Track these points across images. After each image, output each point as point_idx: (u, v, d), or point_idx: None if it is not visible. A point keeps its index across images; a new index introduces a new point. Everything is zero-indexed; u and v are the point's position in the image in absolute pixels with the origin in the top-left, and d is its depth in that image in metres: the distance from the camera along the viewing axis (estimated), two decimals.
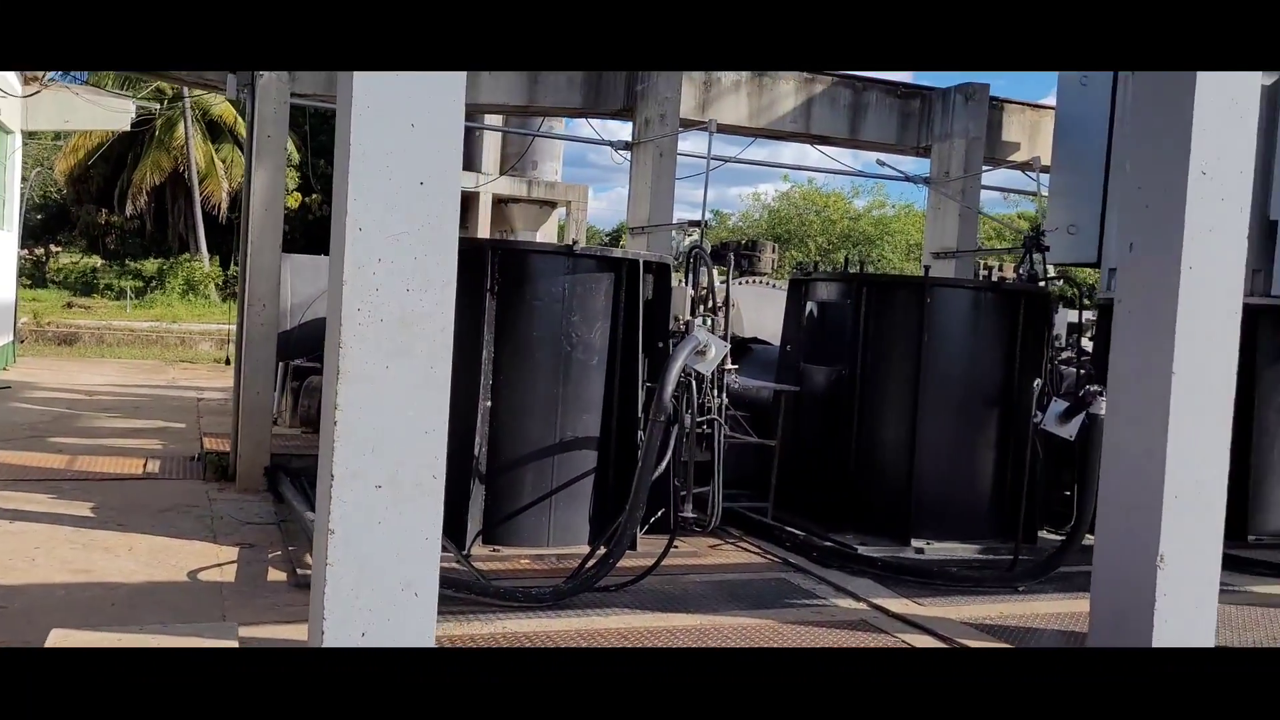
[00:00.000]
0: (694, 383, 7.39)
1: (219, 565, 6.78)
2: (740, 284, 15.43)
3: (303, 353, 11.59)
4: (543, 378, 7.48)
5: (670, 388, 6.68)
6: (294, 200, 31.74)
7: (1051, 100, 11.79)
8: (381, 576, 3.62)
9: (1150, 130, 4.98)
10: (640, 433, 7.51)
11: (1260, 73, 5.07)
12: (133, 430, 11.89)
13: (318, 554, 3.71)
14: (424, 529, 3.69)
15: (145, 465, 9.87)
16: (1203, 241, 4.86)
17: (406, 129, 3.56)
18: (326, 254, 4.18)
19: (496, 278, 7.36)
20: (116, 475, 9.38)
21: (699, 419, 7.79)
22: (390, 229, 3.58)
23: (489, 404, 7.39)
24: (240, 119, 27.59)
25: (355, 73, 3.49)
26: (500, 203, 26.57)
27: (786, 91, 11.51)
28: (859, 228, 44.05)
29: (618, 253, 7.94)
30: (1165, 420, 4.86)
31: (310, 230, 34.29)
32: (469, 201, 26.44)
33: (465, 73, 3.66)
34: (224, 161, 35.94)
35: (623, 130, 11.45)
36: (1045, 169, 11.81)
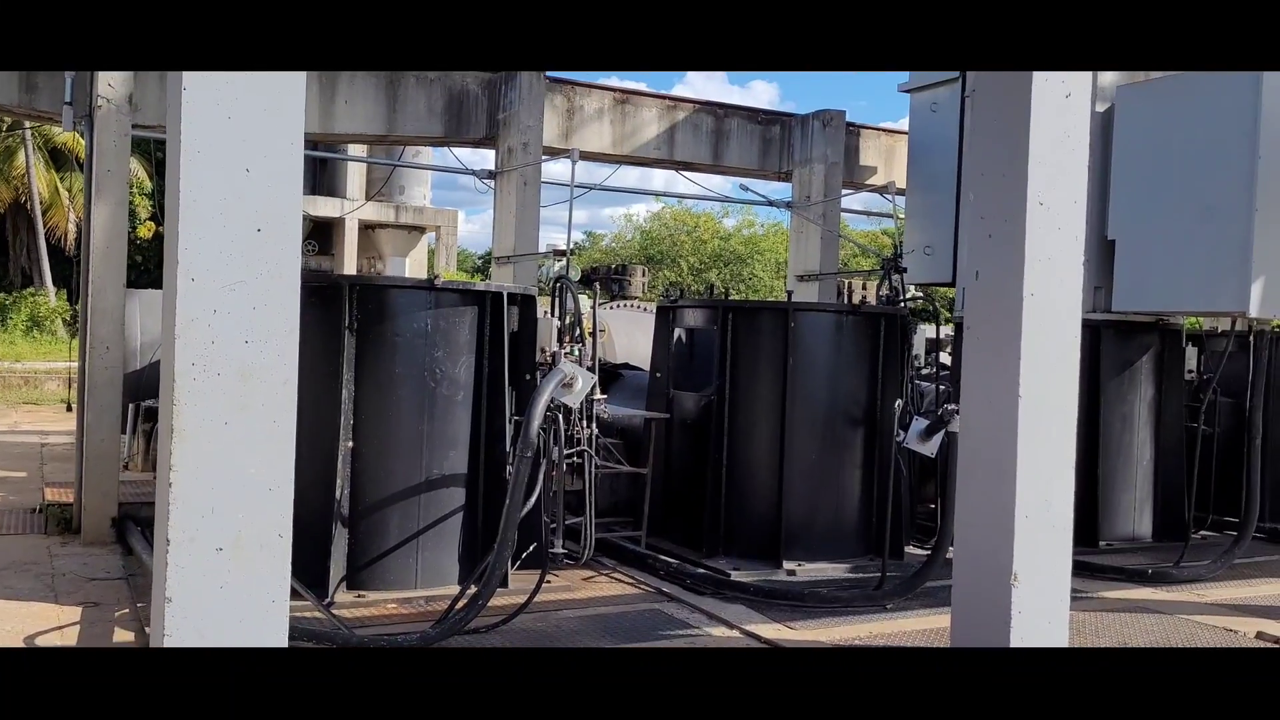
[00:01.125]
0: (561, 415, 7.32)
1: (59, 628, 6.37)
2: (611, 308, 15.46)
3: (154, 393, 11.07)
4: (407, 415, 7.30)
5: (537, 422, 6.60)
6: (147, 230, 30.47)
7: (905, 125, 12.19)
8: (224, 645, 3.44)
9: (991, 163, 5.16)
10: (509, 467, 7.39)
11: (1091, 106, 5.31)
12: None
13: (155, 624, 3.49)
14: (270, 591, 3.52)
15: None
16: (1042, 269, 5.05)
17: (241, 174, 3.40)
18: None
19: (356, 314, 7.16)
20: None
21: (569, 451, 7.73)
22: (225, 279, 3.41)
23: (351, 444, 7.17)
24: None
25: (184, 117, 3.32)
26: (367, 228, 26.03)
27: (649, 119, 11.60)
28: (730, 247, 44.72)
29: (481, 285, 7.83)
30: (1014, 442, 5.02)
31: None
32: (334, 228, 25.84)
33: (302, 116, 3.53)
34: (69, 191, 34.24)
35: (487, 158, 11.37)
36: (901, 192, 12.22)
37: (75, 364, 16.88)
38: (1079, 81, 5.09)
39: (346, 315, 7.12)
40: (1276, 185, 8.66)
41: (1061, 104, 5.02)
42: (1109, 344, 10.13)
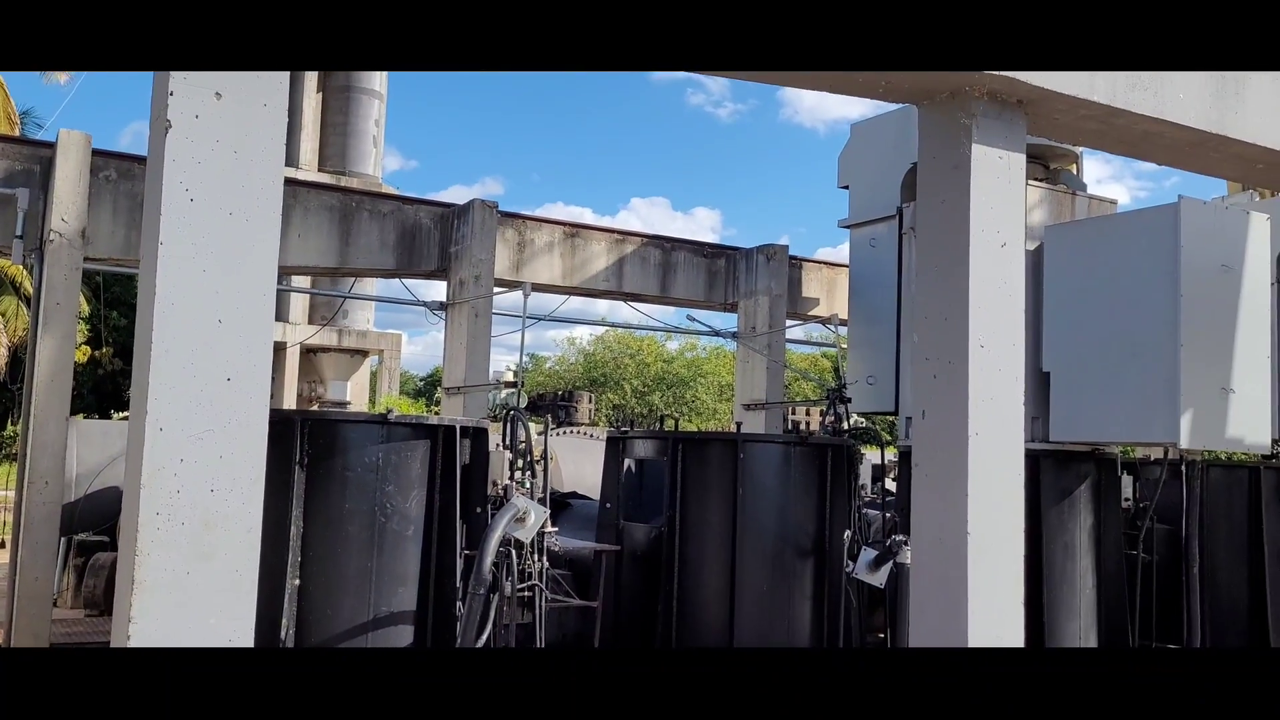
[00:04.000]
0: (514, 549, 7.28)
1: None
2: (557, 435, 15.49)
3: (88, 526, 10.80)
4: (356, 551, 7.21)
5: (490, 558, 6.57)
6: (83, 354, 30.00)
7: (844, 256, 12.62)
8: None
9: (933, 306, 5.39)
10: (459, 604, 7.30)
11: (1023, 251, 5.59)
12: None
13: None
14: None
15: None
16: (985, 408, 5.23)
17: (213, 325, 3.46)
18: (116, 415, 3.97)
19: (306, 449, 7.12)
20: None
21: (520, 585, 7.66)
22: (193, 428, 3.43)
23: (297, 582, 7.04)
24: (24, 271, 26.18)
25: (159, 270, 3.39)
26: (309, 352, 25.95)
27: (599, 251, 11.89)
28: (672, 370, 45.20)
29: (434, 420, 7.85)
30: (964, 579, 5.11)
31: (100, 386, 32.36)
32: (276, 352, 25.72)
33: (275, 266, 3.61)
34: (3, 315, 33.72)
35: (437, 287, 11.52)
36: (844, 323, 12.57)
37: (6, 492, 16.32)
38: (1014, 230, 5.38)
39: (297, 450, 7.08)
40: (1199, 322, 9.08)
41: (998, 252, 5.29)
42: (1048, 473, 10.35)
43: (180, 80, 3.41)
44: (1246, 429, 9.26)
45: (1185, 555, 9.61)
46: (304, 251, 9.97)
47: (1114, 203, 11.24)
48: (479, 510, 7.77)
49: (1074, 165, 11.46)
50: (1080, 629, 10.45)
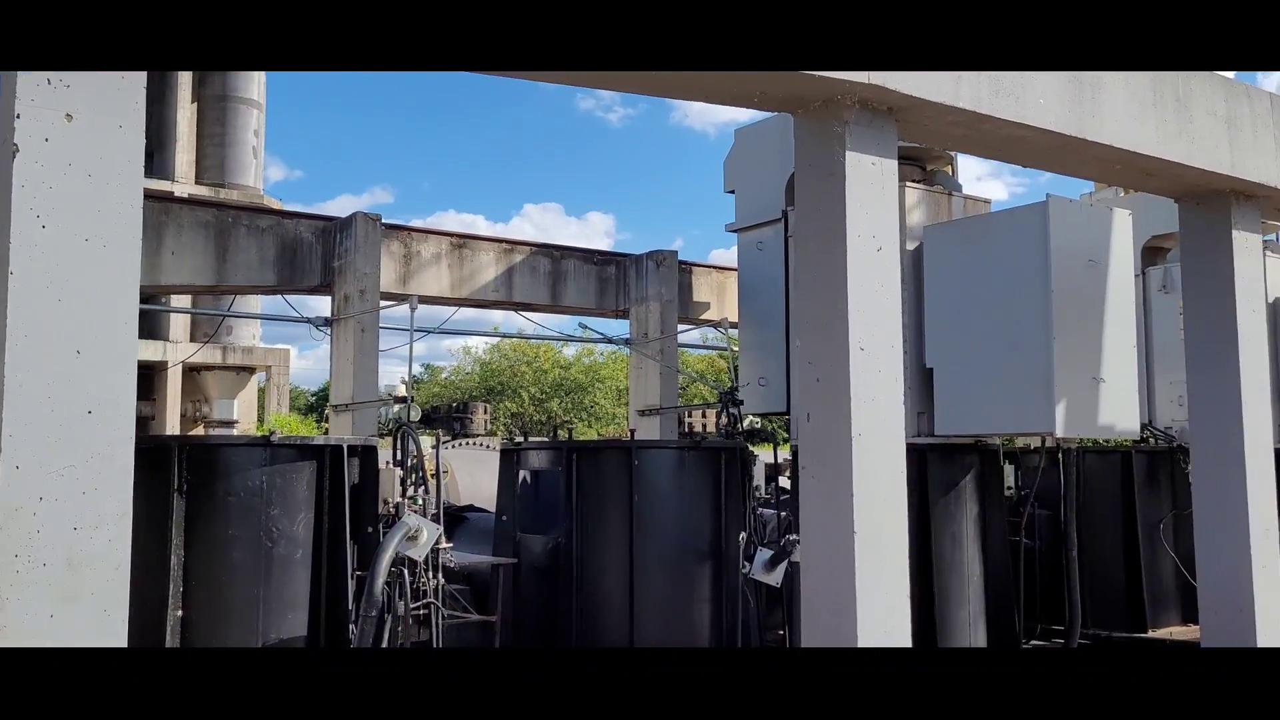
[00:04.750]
0: (406, 568, 7.16)
1: None
2: (454, 447, 15.31)
3: None
4: (241, 578, 6.99)
5: (381, 579, 6.45)
6: None
7: (733, 262, 12.78)
8: None
9: (814, 312, 5.49)
10: (352, 627, 7.15)
11: (898, 254, 5.74)
12: None
13: None
14: None
15: None
16: (867, 409, 5.35)
17: (71, 356, 3.31)
18: None
19: (185, 476, 6.89)
20: None
21: (415, 604, 7.53)
22: (53, 464, 3.28)
23: (180, 613, 6.79)
24: None
25: (10, 299, 3.23)
26: (192, 370, 25.06)
27: (487, 262, 11.79)
28: (570, 376, 45.09)
29: (320, 439, 7.68)
30: (852, 577, 5.22)
31: None
32: (156, 372, 24.76)
33: (137, 293, 3.48)
34: None
35: (323, 302, 11.27)
36: (734, 325, 12.73)
37: None
38: (888, 234, 5.51)
39: (175, 478, 6.83)
40: (1070, 315, 9.44)
41: (874, 256, 5.41)
42: (934, 466, 10.64)
43: (27, 102, 3.26)
44: (1117, 416, 9.68)
45: (1064, 539, 9.99)
46: (179, 270, 9.65)
47: (988, 202, 11.62)
48: (370, 530, 7.62)
49: (950, 166, 11.81)
50: (969, 616, 10.76)
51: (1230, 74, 6.84)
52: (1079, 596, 9.75)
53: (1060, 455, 10.60)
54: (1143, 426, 12.33)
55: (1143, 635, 11.71)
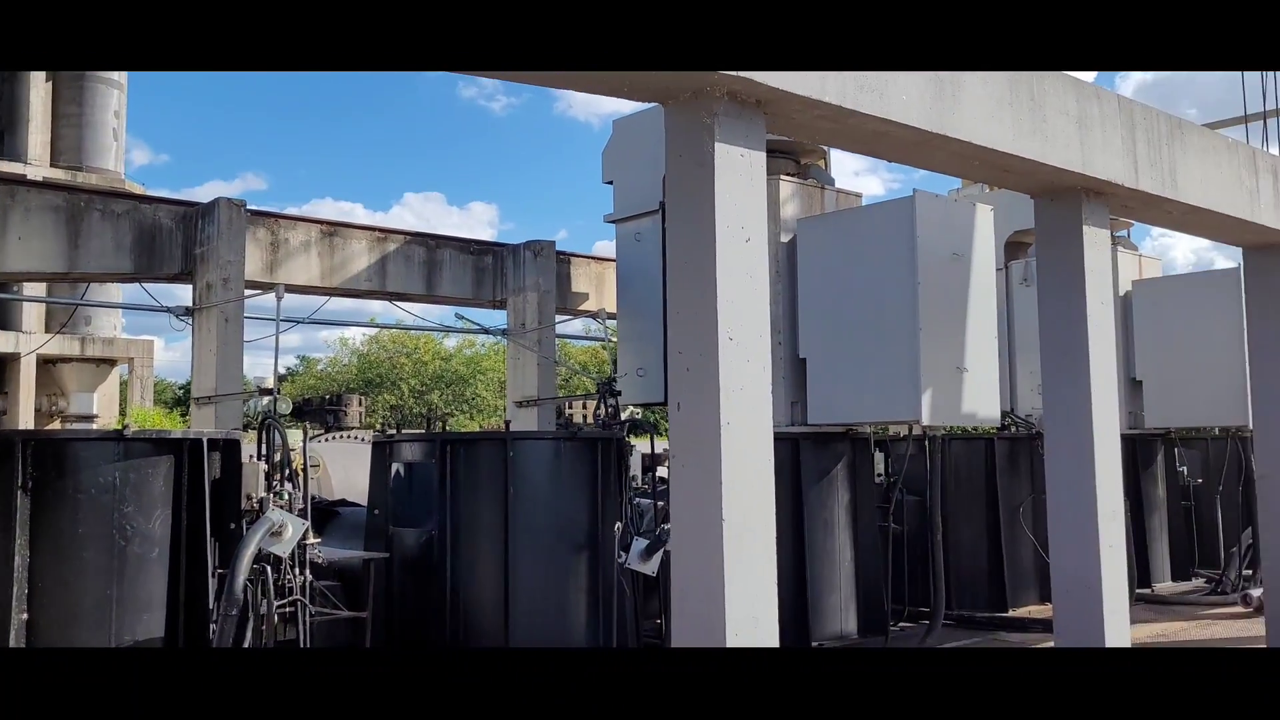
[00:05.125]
0: (271, 565, 6.95)
1: None
2: (327, 440, 14.95)
3: None
4: (92, 578, 6.68)
5: (242, 576, 6.24)
6: None
7: (612, 253, 12.76)
8: None
9: (685, 302, 5.50)
10: (213, 626, 6.90)
11: (766, 245, 5.81)
12: None
13: None
14: None
15: None
16: (736, 398, 5.39)
17: None
18: None
19: (30, 472, 6.53)
20: None
21: (280, 601, 7.31)
22: None
23: (25, 616, 6.44)
24: None
25: None
26: (48, 363, 23.79)
27: (359, 250, 11.51)
28: (451, 368, 44.54)
29: (178, 433, 7.38)
30: (721, 566, 5.26)
31: None
32: (8, 365, 23.42)
33: None
34: None
35: (185, 291, 10.81)
36: (612, 316, 12.73)
37: None
38: (757, 225, 5.56)
39: (19, 474, 6.47)
40: (935, 307, 9.74)
41: (743, 247, 5.45)
42: (807, 454, 10.86)
43: None
44: (979, 404, 10.04)
45: (929, 524, 10.31)
46: (25, 256, 9.12)
47: (859, 196, 11.89)
48: (233, 527, 7.36)
49: (823, 160, 12.04)
50: (841, 600, 11.03)
51: (1085, 75, 7.14)
52: (944, 579, 10.08)
53: (927, 442, 10.95)
54: (1004, 414, 12.83)
55: (1003, 615, 12.19)
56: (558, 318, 12.93)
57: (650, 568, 8.25)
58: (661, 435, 12.33)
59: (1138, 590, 11.79)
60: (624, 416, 10.78)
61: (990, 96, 6.35)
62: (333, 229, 11.40)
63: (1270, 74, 11.36)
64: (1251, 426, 9.86)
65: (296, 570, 7.55)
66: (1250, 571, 12.50)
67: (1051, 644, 7.99)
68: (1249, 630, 10.39)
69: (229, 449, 7.50)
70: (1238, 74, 11.58)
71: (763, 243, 5.60)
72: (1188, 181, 7.71)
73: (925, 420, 9.64)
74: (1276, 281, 9.14)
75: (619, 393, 10.81)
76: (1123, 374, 13.33)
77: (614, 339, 12.75)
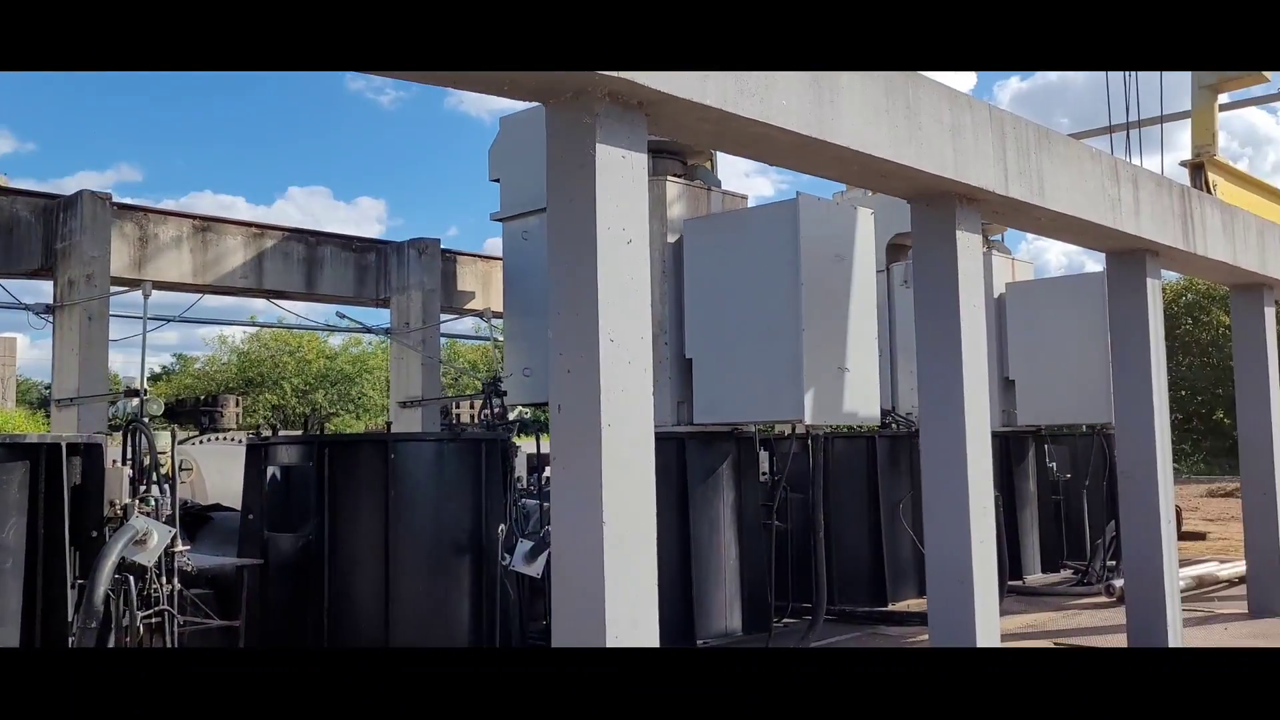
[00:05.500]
0: (133, 576, 6.65)
1: None
2: (203, 443, 14.41)
3: None
4: None
5: (102, 587, 5.97)
6: None
7: (498, 251, 12.64)
8: None
9: (566, 304, 5.47)
10: (72, 639, 6.57)
11: (648, 247, 5.82)
12: None
13: None
14: None
15: None
16: (617, 400, 5.38)
17: None
18: None
19: None
20: None
21: (146, 612, 7.01)
22: None
23: None
24: None
25: None
26: None
27: (234, 246, 11.14)
28: (336, 366, 43.54)
29: (33, 437, 7.00)
30: (600, 568, 5.24)
31: None
32: None
33: None
34: None
35: (45, 288, 10.29)
36: (497, 315, 12.59)
37: None
38: (638, 227, 5.55)
39: None
40: (818, 308, 9.90)
41: (624, 248, 5.44)
42: (693, 454, 10.93)
43: None
44: (860, 404, 10.25)
45: (812, 521, 10.48)
46: None
47: (745, 197, 12.02)
48: (94, 535, 7.02)
49: (709, 162, 12.14)
50: (726, 598, 11.14)
51: (961, 84, 7.35)
52: (825, 575, 10.26)
53: (810, 441, 11.14)
54: (885, 413, 13.14)
55: (883, 609, 12.50)
56: (443, 316, 12.74)
57: (535, 570, 8.20)
58: (548, 435, 12.29)
59: (1009, 582, 12.19)
60: (512, 417, 10.68)
61: (868, 103, 6.48)
62: (206, 224, 10.99)
63: (1134, 87, 11.91)
64: (1114, 424, 10.30)
65: (164, 579, 7.25)
66: (1114, 563, 13.08)
67: (926, 637, 8.21)
68: (1111, 620, 10.86)
69: (90, 453, 7.14)
70: (1105, 85, 12.10)
71: (644, 244, 5.60)
72: (1055, 189, 8.00)
73: (808, 420, 9.79)
74: (1137, 285, 9.57)
75: (505, 393, 10.71)
76: (996, 373, 13.81)
77: (501, 338, 12.63)
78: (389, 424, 9.13)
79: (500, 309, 12.46)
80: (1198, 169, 11.98)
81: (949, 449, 7.52)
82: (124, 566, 6.47)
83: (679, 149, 11.34)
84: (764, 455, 12.06)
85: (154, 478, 7.51)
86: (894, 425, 13.83)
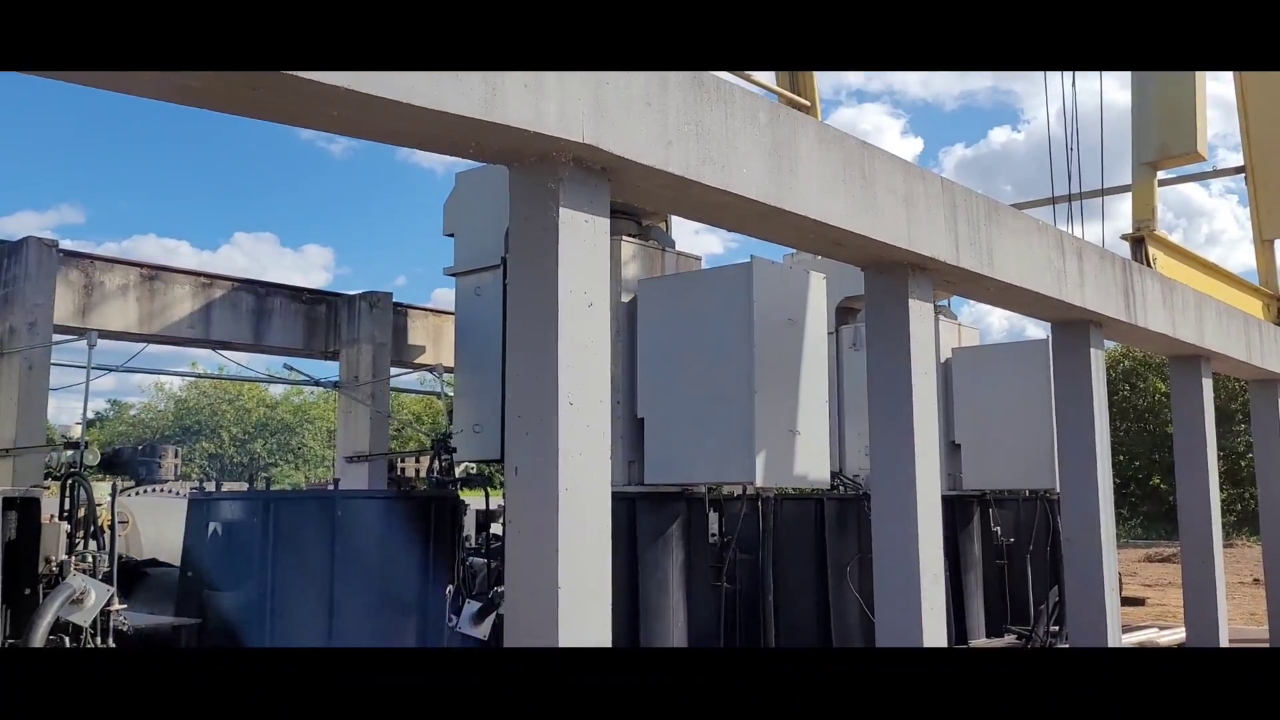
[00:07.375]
0: (68, 636, 6.43)
1: None
2: (139, 495, 14.05)
3: None
4: None
5: (37, 647, 5.73)
6: None
7: (451, 302, 12.59)
8: None
9: (525, 366, 5.45)
10: None
11: (609, 311, 5.83)
12: None
13: None
14: None
15: None
16: (575, 463, 5.36)
17: None
18: None
19: None
20: None
21: None
22: None
23: None
24: None
25: None
26: None
27: (182, 295, 10.97)
28: (277, 415, 42.87)
29: None
30: (555, 632, 5.18)
31: None
32: None
33: None
34: None
35: None
36: (449, 370, 12.50)
37: None
38: (599, 291, 5.58)
39: None
40: (770, 370, 9.98)
41: (585, 312, 5.46)
42: (644, 515, 10.87)
43: None
44: (810, 466, 10.30)
45: (761, 583, 10.47)
46: None
47: (699, 258, 12.14)
48: (28, 593, 6.79)
49: (664, 222, 12.26)
50: None
51: (909, 157, 7.51)
52: (774, 636, 10.23)
53: (760, 502, 11.16)
54: (834, 475, 13.22)
55: None
56: (393, 370, 12.63)
57: (482, 631, 8.07)
58: (496, 490, 12.16)
59: (955, 647, 12.23)
60: (458, 473, 10.57)
61: (826, 174, 6.60)
62: (153, 273, 10.83)
63: (1075, 160, 12.30)
64: (1059, 490, 10.46)
65: (99, 639, 7.02)
66: (1057, 628, 13.20)
67: None
68: None
69: (27, 507, 6.94)
70: (1047, 157, 12.46)
71: (605, 308, 5.62)
72: (1003, 260, 8.19)
73: (759, 482, 9.81)
74: (1081, 355, 9.79)
75: (454, 449, 10.61)
76: (943, 437, 13.97)
77: (450, 392, 12.53)
78: (336, 480, 8.99)
79: (451, 364, 12.38)
80: (1138, 243, 12.37)
81: (900, 517, 7.58)
82: (59, 626, 6.25)
83: (634, 209, 11.43)
84: (713, 516, 12.04)
85: (91, 531, 7.31)
86: (841, 488, 13.90)
